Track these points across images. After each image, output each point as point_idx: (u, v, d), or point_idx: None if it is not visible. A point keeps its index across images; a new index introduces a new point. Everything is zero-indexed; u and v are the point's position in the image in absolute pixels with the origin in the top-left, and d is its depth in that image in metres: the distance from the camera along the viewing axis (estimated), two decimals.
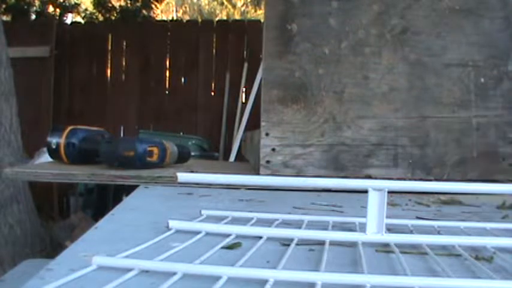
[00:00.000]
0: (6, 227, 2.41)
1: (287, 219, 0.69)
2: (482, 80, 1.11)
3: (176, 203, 0.88)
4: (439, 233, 0.64)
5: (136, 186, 1.04)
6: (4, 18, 4.15)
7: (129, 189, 1.01)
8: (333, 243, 0.56)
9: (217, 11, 8.59)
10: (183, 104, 3.93)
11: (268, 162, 1.10)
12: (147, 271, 0.44)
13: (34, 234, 2.58)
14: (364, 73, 1.12)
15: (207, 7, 8.93)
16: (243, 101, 3.75)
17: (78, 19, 4.84)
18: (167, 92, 4.01)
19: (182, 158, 1.36)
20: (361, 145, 1.11)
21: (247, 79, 3.72)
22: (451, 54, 1.12)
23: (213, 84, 3.96)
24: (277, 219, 0.67)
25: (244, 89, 3.78)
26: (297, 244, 0.55)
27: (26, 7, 4.50)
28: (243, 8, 8.13)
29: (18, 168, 1.28)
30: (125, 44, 4.04)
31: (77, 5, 4.84)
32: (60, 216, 3.53)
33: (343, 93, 1.12)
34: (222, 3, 8.43)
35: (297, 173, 1.10)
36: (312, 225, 0.66)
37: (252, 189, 1.01)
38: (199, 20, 6.44)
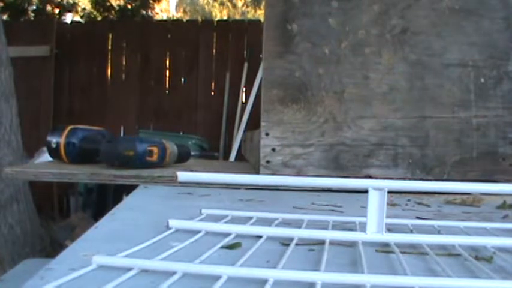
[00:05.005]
0: (6, 227, 2.41)
1: (287, 218, 0.69)
2: (482, 80, 1.11)
3: (176, 203, 0.88)
4: (439, 233, 0.64)
5: (137, 185, 1.04)
6: (4, 17, 4.15)
7: (129, 189, 1.01)
8: (333, 243, 0.56)
9: (217, 11, 8.58)
10: (183, 103, 3.94)
11: (268, 162, 1.10)
12: (147, 270, 0.44)
13: (34, 234, 2.58)
14: (364, 73, 1.12)
15: (207, 7, 8.93)
16: (243, 101, 3.75)
17: (78, 18, 4.85)
18: (167, 92, 4.01)
19: (182, 158, 1.36)
20: (361, 145, 1.11)
21: (247, 79, 3.72)
22: (451, 54, 1.12)
23: (213, 84, 3.96)
24: (277, 219, 0.67)
25: (244, 89, 3.78)
26: (296, 244, 0.55)
27: (23, 5, 4.50)
28: (243, 8, 8.13)
29: (18, 167, 1.28)
30: (125, 43, 4.04)
31: (75, 3, 4.84)
32: (60, 215, 3.53)
33: (343, 93, 1.12)
34: (222, 3, 8.43)
35: (297, 173, 1.10)
36: (311, 225, 0.66)
37: (252, 189, 1.02)
38: (200, 19, 6.44)
